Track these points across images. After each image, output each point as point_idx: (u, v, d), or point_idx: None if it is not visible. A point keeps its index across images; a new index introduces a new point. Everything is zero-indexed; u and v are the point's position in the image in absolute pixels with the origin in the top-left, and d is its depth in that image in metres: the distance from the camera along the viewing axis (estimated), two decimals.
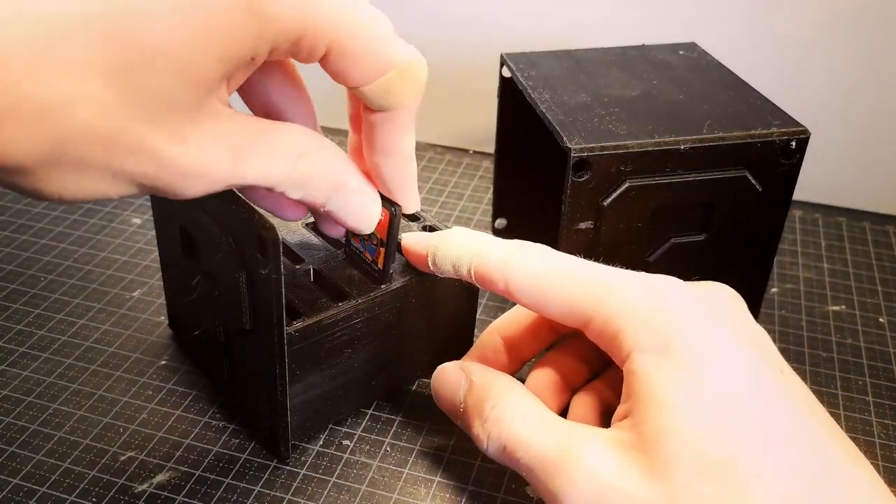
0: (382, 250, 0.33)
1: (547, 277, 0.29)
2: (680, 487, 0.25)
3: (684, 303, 0.28)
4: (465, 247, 0.31)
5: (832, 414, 0.36)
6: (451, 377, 0.32)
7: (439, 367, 0.33)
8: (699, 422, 0.25)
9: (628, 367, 0.27)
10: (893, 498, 0.25)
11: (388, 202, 0.31)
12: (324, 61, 0.26)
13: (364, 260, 0.34)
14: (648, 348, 0.27)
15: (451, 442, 0.35)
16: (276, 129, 0.27)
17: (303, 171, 0.27)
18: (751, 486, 0.24)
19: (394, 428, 0.36)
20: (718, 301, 0.29)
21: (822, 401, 0.38)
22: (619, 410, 0.28)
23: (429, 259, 0.33)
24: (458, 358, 0.40)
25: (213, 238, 0.32)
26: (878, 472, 0.34)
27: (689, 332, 0.27)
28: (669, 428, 0.25)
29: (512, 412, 0.29)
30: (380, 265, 0.33)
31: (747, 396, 0.26)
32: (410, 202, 0.32)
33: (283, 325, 0.30)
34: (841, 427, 0.36)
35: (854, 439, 0.35)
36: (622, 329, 0.27)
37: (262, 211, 0.29)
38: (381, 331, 0.35)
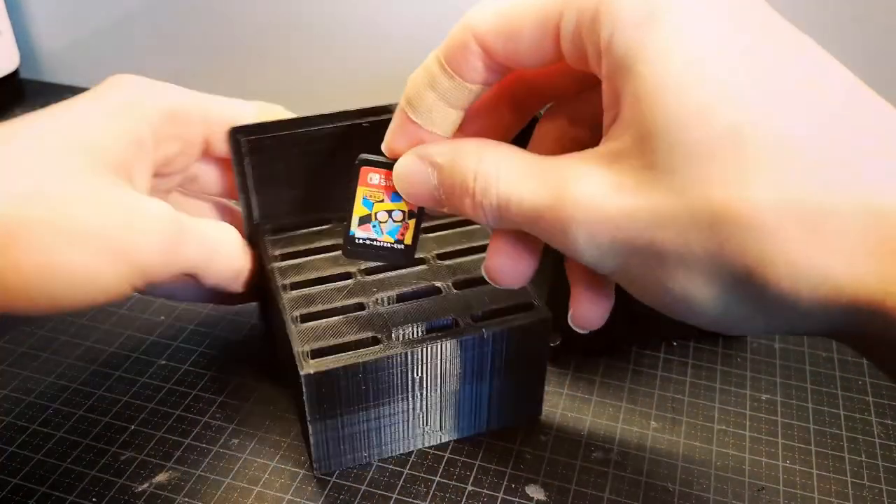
0: (412, 223, 0.30)
1: (514, 3, 0.25)
2: (685, 176, 0.21)
3: None
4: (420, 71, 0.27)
5: (832, 413, 0.36)
6: (414, 171, 0.27)
7: (397, 165, 0.28)
8: (695, 93, 0.21)
9: (610, 60, 0.22)
10: None
11: None
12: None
13: (381, 247, 0.31)
14: (630, 21, 0.22)
15: (451, 442, 0.35)
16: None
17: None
18: (767, 148, 0.20)
19: None
20: None
21: (821, 401, 0.38)
22: (605, 121, 0.24)
23: (404, 105, 0.27)
24: None
25: None
26: (878, 471, 0.34)
27: None
28: (661, 113, 0.21)
29: (496, 171, 0.25)
30: (407, 241, 0.30)
31: (751, 47, 0.21)
32: None
33: None
34: (840, 427, 0.36)
35: (854, 439, 0.35)
36: (597, 8, 0.22)
37: None
38: None
